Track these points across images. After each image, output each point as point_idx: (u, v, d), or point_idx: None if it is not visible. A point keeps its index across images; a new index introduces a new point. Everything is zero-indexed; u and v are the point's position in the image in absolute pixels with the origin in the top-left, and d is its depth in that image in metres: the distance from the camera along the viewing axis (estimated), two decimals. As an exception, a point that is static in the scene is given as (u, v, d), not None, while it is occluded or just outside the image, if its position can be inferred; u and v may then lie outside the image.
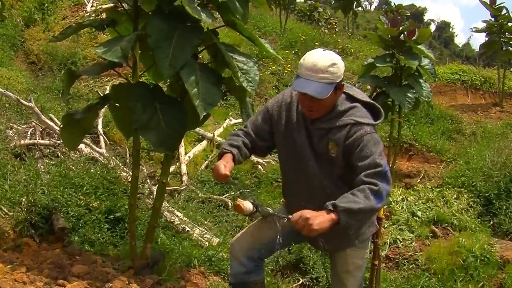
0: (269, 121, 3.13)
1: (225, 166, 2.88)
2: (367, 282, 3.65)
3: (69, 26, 3.90)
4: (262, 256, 3.31)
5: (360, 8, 22.78)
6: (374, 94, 8.01)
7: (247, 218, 4.33)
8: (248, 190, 2.84)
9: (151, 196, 5.36)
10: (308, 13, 20.36)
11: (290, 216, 2.70)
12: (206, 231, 5.19)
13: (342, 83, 2.85)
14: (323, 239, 3.12)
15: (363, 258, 3.26)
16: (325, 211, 2.61)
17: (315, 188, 2.95)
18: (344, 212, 2.59)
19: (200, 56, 3.74)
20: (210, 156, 7.54)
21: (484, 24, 13.32)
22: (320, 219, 2.57)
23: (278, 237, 2.94)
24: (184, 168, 6.86)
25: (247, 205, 2.83)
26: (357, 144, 2.81)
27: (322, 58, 2.78)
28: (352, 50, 15.87)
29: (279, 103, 3.13)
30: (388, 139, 8.43)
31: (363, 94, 3.05)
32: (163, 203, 4.66)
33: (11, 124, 6.26)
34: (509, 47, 13.14)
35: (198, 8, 3.22)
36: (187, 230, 5.04)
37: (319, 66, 2.74)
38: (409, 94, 7.41)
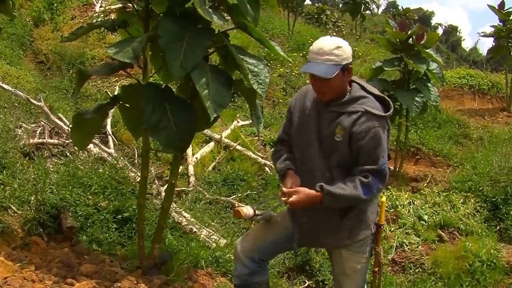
0: (291, 118, 3.18)
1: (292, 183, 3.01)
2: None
3: (81, 26, 3.92)
4: (264, 257, 3.32)
5: (368, 12, 22.74)
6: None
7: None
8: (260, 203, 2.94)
9: (159, 197, 5.38)
10: (316, 16, 20.41)
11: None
12: (213, 232, 5.21)
13: (350, 66, 2.93)
14: (316, 234, 3.17)
15: (361, 262, 3.22)
16: (313, 191, 2.88)
17: (317, 175, 2.98)
18: (328, 194, 2.85)
19: (210, 58, 3.75)
20: (218, 158, 7.55)
21: (492, 29, 13.34)
22: (305, 196, 2.87)
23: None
24: (191, 169, 6.87)
25: (247, 210, 2.88)
26: (363, 134, 2.88)
27: (328, 42, 2.89)
28: (360, 53, 15.87)
29: (296, 97, 3.21)
30: (395, 143, 8.43)
31: (374, 88, 3.09)
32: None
33: (20, 123, 6.29)
34: (517, 52, 13.11)
35: (210, 10, 3.24)
36: (195, 231, 5.06)
37: (324, 49, 2.85)
38: (416, 98, 7.44)
